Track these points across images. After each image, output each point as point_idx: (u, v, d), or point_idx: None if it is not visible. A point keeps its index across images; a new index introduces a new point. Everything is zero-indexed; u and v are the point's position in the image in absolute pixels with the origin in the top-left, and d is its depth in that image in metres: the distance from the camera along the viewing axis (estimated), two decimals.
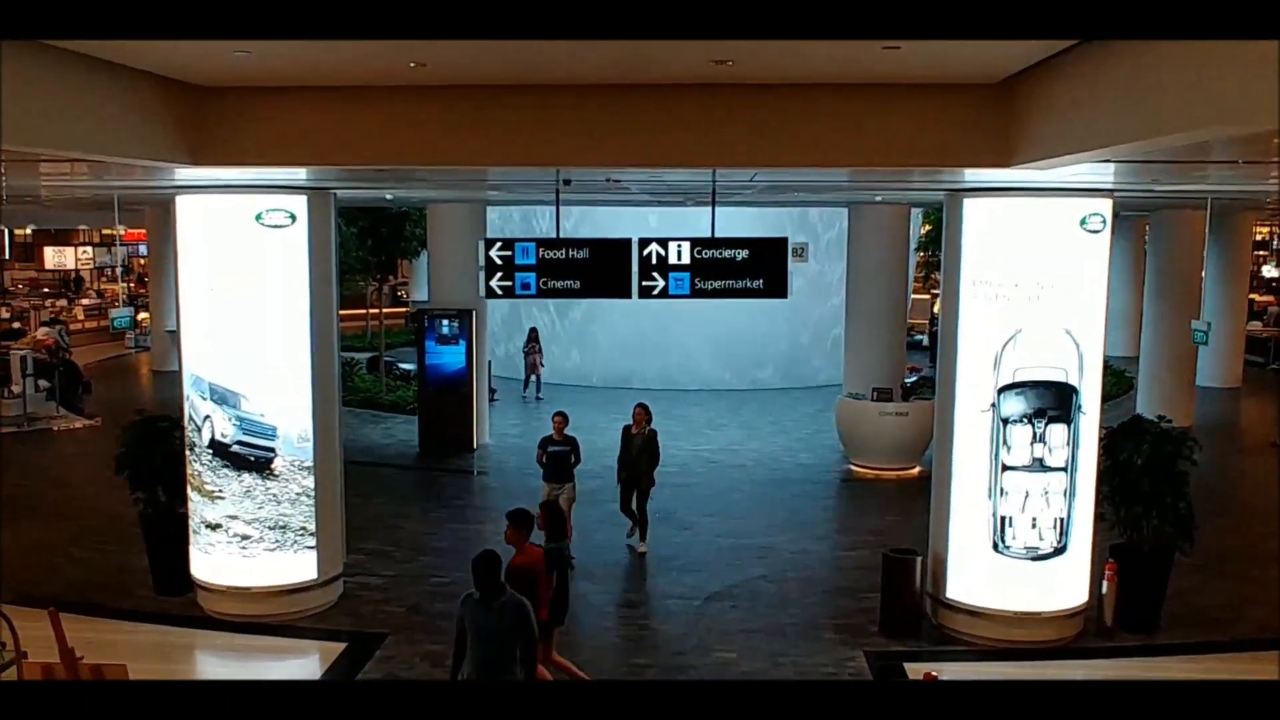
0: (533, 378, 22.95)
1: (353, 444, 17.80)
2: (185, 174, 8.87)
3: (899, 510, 14.31)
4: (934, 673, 7.03)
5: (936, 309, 37.57)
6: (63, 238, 39.55)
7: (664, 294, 10.05)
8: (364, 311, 28.98)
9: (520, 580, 7.62)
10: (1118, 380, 21.67)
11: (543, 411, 20.24)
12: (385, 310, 25.67)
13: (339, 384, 10.65)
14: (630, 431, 12.69)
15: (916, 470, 16.42)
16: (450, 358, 17.73)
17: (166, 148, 6.28)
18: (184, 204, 9.83)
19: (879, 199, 11.82)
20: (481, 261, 10.12)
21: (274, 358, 9.92)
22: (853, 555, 12.52)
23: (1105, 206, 9.47)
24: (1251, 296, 29.36)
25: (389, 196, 11.95)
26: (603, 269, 10.10)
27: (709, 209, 10.83)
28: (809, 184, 10.00)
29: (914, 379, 18.91)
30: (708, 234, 10.08)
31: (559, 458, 12.25)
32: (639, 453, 12.50)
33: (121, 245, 32.29)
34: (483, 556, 6.69)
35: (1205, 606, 10.76)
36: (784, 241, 10.02)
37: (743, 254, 9.98)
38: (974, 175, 8.92)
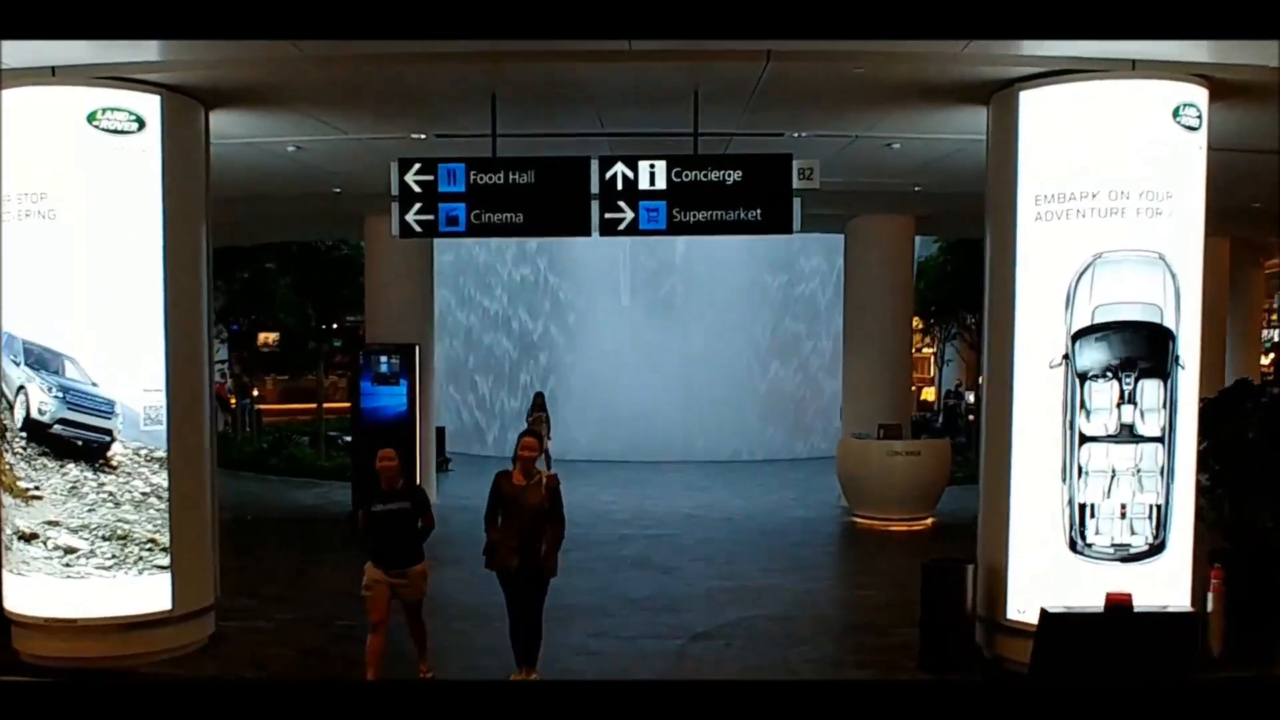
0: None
1: (279, 506, 15.86)
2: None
3: (917, 555, 11.76)
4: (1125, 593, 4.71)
5: (925, 396, 35.67)
6: None
7: (633, 228, 7.86)
8: (314, 405, 26.71)
9: None
10: None
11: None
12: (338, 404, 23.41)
13: (209, 349, 8.16)
14: (511, 482, 7.11)
15: (930, 521, 13.96)
16: (389, 400, 15.23)
17: None
18: None
19: (896, 145, 9.69)
20: (395, 189, 7.92)
21: (112, 307, 7.53)
22: (872, 594, 10.08)
23: (1201, 97, 7.38)
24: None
25: (291, 149, 9.70)
26: (553, 197, 7.92)
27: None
28: (814, 90, 7.91)
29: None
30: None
31: (392, 521, 7.15)
32: (534, 519, 7.05)
33: None
34: None
35: None
36: (788, 159, 7.90)
37: (735, 175, 7.86)
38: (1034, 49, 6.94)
